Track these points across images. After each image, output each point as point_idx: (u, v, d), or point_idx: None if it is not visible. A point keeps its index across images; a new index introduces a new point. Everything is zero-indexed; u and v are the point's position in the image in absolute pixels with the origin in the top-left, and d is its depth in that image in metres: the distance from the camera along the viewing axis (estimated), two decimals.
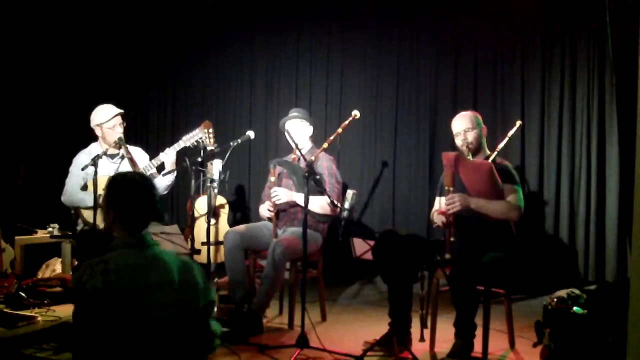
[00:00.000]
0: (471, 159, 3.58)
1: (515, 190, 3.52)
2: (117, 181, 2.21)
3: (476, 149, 3.65)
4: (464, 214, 3.40)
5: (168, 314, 2.05)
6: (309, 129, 4.34)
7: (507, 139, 3.84)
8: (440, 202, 3.75)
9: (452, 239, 3.35)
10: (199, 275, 2.15)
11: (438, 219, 3.55)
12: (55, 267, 5.00)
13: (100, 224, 4.08)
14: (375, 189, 5.72)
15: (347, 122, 3.95)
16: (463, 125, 3.66)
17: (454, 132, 3.71)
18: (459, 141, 3.67)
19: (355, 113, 3.98)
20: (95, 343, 2.02)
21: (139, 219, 2.15)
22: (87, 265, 2.06)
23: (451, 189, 3.41)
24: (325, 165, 4.15)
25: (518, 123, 3.97)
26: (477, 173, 3.40)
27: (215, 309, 2.37)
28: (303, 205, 3.77)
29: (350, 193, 3.51)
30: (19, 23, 5.78)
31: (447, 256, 3.34)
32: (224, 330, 3.53)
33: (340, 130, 3.93)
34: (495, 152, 3.65)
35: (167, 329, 2.05)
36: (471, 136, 3.64)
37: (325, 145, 3.84)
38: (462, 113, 3.76)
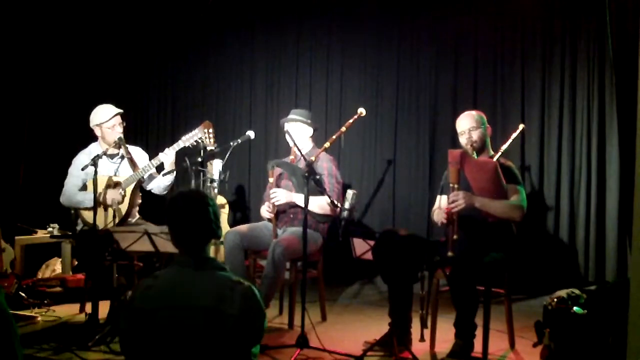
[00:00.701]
0: (476, 157, 3.58)
1: (518, 190, 3.53)
2: (174, 200, 2.16)
3: (480, 148, 3.65)
4: (467, 212, 3.39)
5: (189, 337, 1.98)
6: (309, 130, 4.33)
7: (509, 141, 3.84)
8: (441, 200, 3.75)
9: (455, 236, 3.34)
10: (242, 309, 1.99)
11: (438, 218, 3.55)
12: (55, 267, 5.01)
13: (100, 224, 4.09)
14: (375, 189, 5.72)
15: (351, 120, 3.90)
16: (468, 124, 3.66)
17: (459, 131, 3.70)
18: (463, 140, 3.67)
19: (361, 111, 3.92)
20: (130, 353, 2.04)
21: (191, 240, 2.11)
22: (146, 277, 2.09)
23: (456, 186, 3.39)
24: (325, 165, 4.15)
25: (521, 126, 3.99)
26: (482, 171, 3.39)
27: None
28: (302, 206, 3.78)
29: (350, 193, 3.51)
30: (19, 23, 5.79)
31: (450, 254, 3.32)
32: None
33: (343, 129, 3.88)
34: (499, 153, 3.65)
35: (189, 353, 1.98)
36: (476, 135, 3.64)
37: (327, 145, 3.82)
38: (467, 112, 3.75)
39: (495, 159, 3.60)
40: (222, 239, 4.36)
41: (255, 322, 2.04)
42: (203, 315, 1.98)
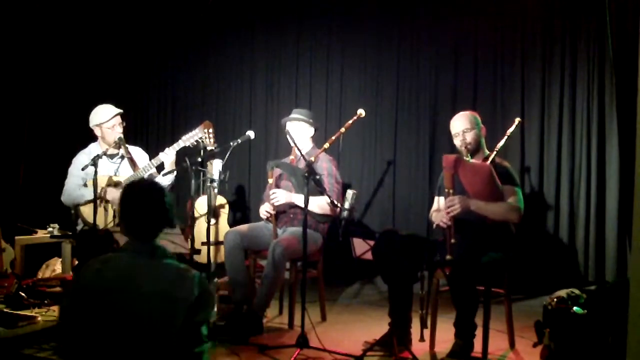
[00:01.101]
0: (470, 159, 3.57)
1: (515, 191, 3.52)
2: (129, 188, 2.22)
3: (475, 150, 3.65)
4: (464, 216, 3.40)
5: (142, 321, 2.03)
6: (310, 130, 4.33)
7: (506, 137, 3.82)
8: (439, 202, 3.75)
9: (452, 240, 3.35)
10: (195, 295, 2.08)
11: (437, 218, 3.55)
12: (55, 267, 5.00)
13: (101, 224, 4.09)
14: (375, 189, 5.72)
15: (351, 121, 3.90)
16: (461, 126, 3.66)
17: (453, 133, 3.70)
18: (457, 142, 3.67)
19: (361, 112, 3.92)
20: (74, 335, 2.06)
21: (145, 228, 2.16)
22: (93, 259, 2.10)
23: (451, 191, 3.41)
24: (325, 166, 4.15)
25: (517, 120, 3.93)
26: (477, 175, 3.40)
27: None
28: (302, 206, 3.77)
29: (350, 193, 3.51)
30: (19, 23, 5.78)
31: (448, 257, 3.33)
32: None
33: (343, 129, 3.88)
34: (495, 152, 3.64)
35: (140, 336, 2.03)
36: (470, 137, 3.64)
37: (327, 145, 3.82)
38: (461, 113, 3.75)
39: (491, 158, 3.59)
40: (222, 239, 4.37)
41: (207, 306, 2.15)
42: (159, 301, 2.04)
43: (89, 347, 2.03)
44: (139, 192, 2.20)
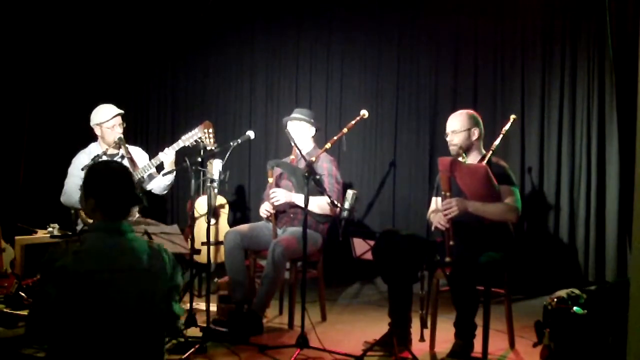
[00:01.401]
0: (465, 160, 3.57)
1: (512, 191, 3.51)
2: (98, 170, 2.27)
3: (467, 149, 3.63)
4: (462, 217, 3.40)
5: (132, 299, 2.11)
6: (311, 130, 4.33)
7: (501, 135, 3.81)
8: (437, 203, 3.75)
9: (451, 242, 3.35)
10: (168, 262, 2.21)
11: (435, 220, 3.54)
12: None
13: None
14: (376, 189, 5.72)
15: (353, 122, 3.89)
16: (451, 127, 3.67)
17: (446, 131, 3.71)
18: (448, 140, 3.69)
19: (364, 113, 3.90)
20: (52, 321, 2.06)
21: (120, 206, 2.20)
22: (64, 242, 2.14)
23: (448, 194, 3.41)
24: (325, 166, 4.15)
25: (512, 117, 3.91)
26: (473, 177, 3.39)
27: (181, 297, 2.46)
28: (302, 206, 3.77)
29: (350, 193, 3.51)
30: (19, 23, 5.78)
31: (447, 259, 3.33)
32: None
33: (345, 130, 3.87)
34: (491, 152, 3.62)
35: (130, 313, 2.10)
36: (457, 138, 3.63)
37: (328, 145, 3.81)
38: (457, 113, 3.73)
39: (488, 157, 3.57)
40: (222, 239, 4.37)
41: (179, 271, 2.27)
42: (143, 276, 2.14)
43: (79, 330, 2.05)
44: (110, 172, 2.24)
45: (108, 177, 2.21)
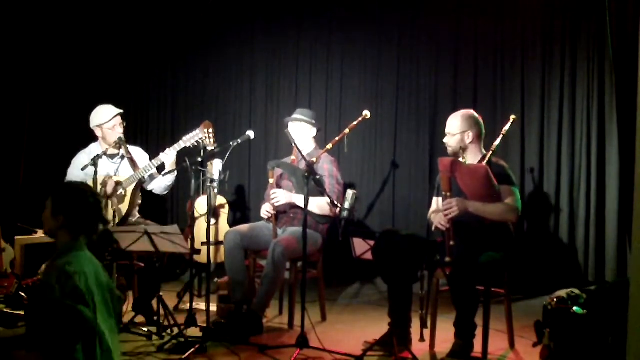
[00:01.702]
0: (465, 160, 3.57)
1: (512, 191, 3.51)
2: (70, 189, 2.42)
3: (457, 153, 3.62)
4: (462, 217, 3.40)
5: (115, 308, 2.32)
6: (312, 131, 4.33)
7: (501, 135, 3.81)
8: (438, 203, 3.74)
9: (451, 242, 3.35)
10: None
11: (435, 220, 3.54)
12: None
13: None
14: (376, 189, 5.72)
15: (356, 122, 3.89)
16: (448, 128, 3.68)
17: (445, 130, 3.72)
18: (445, 141, 3.70)
19: (366, 113, 3.90)
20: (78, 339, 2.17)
21: (90, 225, 2.33)
22: (54, 269, 2.21)
23: (448, 194, 3.41)
24: (326, 167, 4.15)
25: (512, 118, 3.92)
26: (474, 177, 3.39)
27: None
28: (302, 207, 3.77)
29: (350, 193, 3.51)
30: (19, 24, 5.78)
31: (447, 259, 3.33)
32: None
33: (347, 131, 3.86)
34: (491, 152, 3.62)
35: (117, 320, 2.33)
36: (452, 141, 3.64)
37: (329, 146, 3.81)
38: (457, 114, 3.72)
39: (488, 157, 3.58)
40: (222, 239, 4.37)
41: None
42: (113, 287, 2.36)
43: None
44: (84, 193, 2.38)
45: (80, 196, 2.33)
